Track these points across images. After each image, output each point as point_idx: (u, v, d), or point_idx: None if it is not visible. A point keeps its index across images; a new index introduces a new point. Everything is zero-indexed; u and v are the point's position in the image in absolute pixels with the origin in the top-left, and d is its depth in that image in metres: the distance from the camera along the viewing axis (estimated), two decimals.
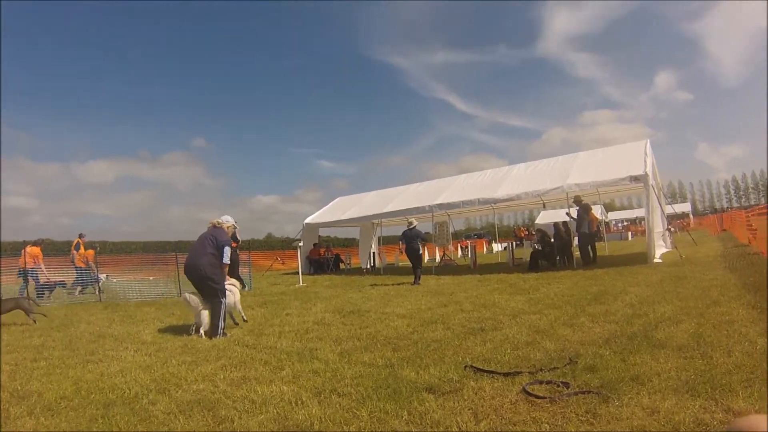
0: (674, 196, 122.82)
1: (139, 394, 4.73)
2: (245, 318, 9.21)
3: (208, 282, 8.16)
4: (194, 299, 8.33)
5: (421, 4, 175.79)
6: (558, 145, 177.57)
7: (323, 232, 29.02)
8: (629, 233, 49.83)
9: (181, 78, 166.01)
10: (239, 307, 9.21)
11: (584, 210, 17.41)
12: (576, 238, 18.53)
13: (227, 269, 8.80)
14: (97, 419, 4.07)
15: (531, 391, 4.04)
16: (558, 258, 18.00)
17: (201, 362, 6.05)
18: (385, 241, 30.94)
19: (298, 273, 19.62)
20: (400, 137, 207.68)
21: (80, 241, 18.64)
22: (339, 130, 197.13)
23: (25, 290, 14.97)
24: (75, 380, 5.44)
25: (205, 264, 8.17)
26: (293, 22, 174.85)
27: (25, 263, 15.89)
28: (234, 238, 9.32)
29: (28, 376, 5.78)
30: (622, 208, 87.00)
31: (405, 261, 25.27)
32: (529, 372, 4.64)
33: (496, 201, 18.98)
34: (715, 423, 3.24)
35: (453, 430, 3.48)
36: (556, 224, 18.96)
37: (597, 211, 21.24)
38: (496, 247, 39.29)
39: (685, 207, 71.96)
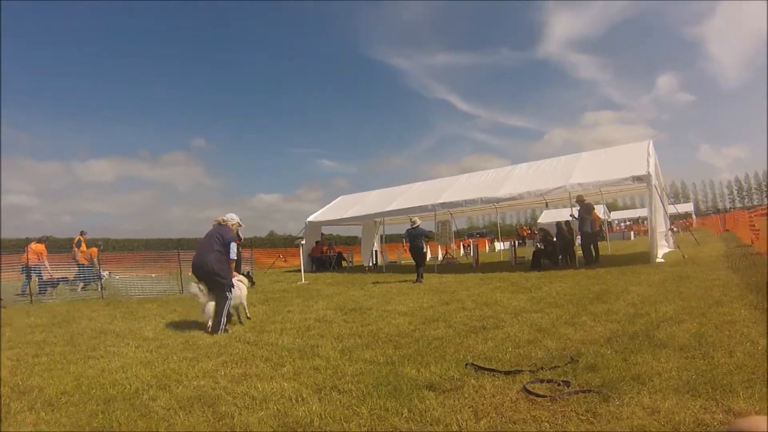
0: (677, 197, 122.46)
1: (140, 390, 4.74)
2: (249, 316, 9.22)
3: (216, 277, 8.28)
4: (200, 294, 8.38)
5: (422, 5, 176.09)
6: (559, 146, 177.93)
7: (326, 230, 29.02)
8: (632, 233, 49.79)
9: (181, 78, 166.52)
10: (245, 303, 9.24)
11: (587, 209, 17.39)
12: (578, 238, 18.53)
13: (234, 265, 8.89)
14: (98, 415, 4.07)
15: (532, 390, 4.04)
16: (560, 257, 17.97)
17: (202, 358, 6.06)
18: (388, 240, 30.90)
19: (300, 271, 19.63)
20: (401, 137, 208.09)
21: (81, 238, 18.73)
22: (340, 130, 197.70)
23: (27, 286, 15.02)
24: (76, 376, 5.45)
25: (212, 261, 8.31)
26: (295, 22, 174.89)
27: (28, 260, 15.94)
28: (236, 235, 9.36)
29: (29, 371, 5.79)
30: (625, 207, 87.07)
31: (407, 259, 25.34)
32: (530, 370, 4.64)
33: (498, 200, 18.98)
34: (716, 423, 3.23)
35: (453, 427, 3.47)
36: (558, 223, 18.94)
37: (600, 211, 21.19)
38: (499, 245, 39.37)
39: (687, 207, 71.81)
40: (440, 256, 27.21)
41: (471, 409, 3.78)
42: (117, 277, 19.82)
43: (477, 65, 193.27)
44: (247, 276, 10.10)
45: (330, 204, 28.88)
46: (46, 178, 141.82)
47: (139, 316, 10.27)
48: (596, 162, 18.13)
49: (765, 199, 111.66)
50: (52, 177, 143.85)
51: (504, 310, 8.48)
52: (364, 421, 3.66)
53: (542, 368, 4.68)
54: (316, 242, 26.52)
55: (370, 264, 26.12)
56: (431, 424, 3.53)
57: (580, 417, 3.49)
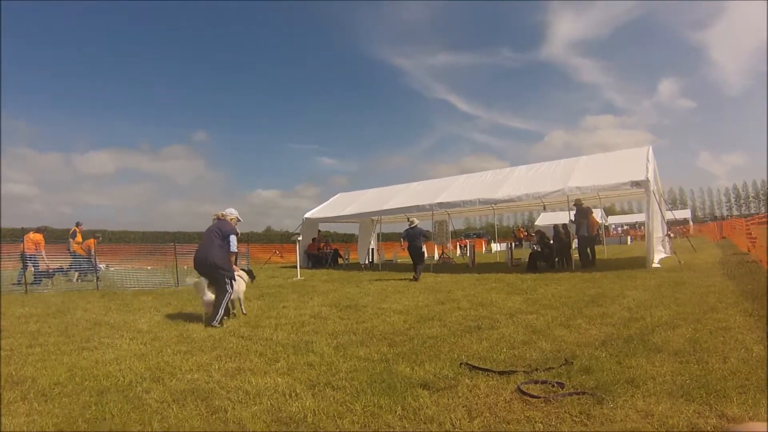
0: (674, 203, 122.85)
1: (133, 382, 4.73)
2: (244, 311, 9.21)
3: (218, 270, 8.46)
4: (201, 288, 8.49)
5: (423, 5, 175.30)
6: (559, 149, 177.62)
7: (323, 227, 29.03)
8: (628, 237, 49.97)
9: (183, 74, 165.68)
10: (242, 297, 9.30)
11: (584, 213, 17.40)
12: (575, 241, 18.55)
13: (234, 258, 8.98)
14: (91, 406, 4.06)
15: (526, 390, 4.04)
16: (557, 260, 17.97)
17: (196, 352, 6.05)
18: (384, 238, 30.90)
19: (296, 267, 19.62)
20: (401, 137, 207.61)
21: (77, 229, 18.76)
22: (341, 128, 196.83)
23: (23, 275, 14.99)
24: (69, 367, 5.44)
25: (214, 255, 8.51)
26: (296, 20, 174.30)
27: (24, 249, 15.91)
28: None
29: (22, 361, 5.77)
30: (622, 212, 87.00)
31: (403, 258, 25.33)
32: (524, 371, 4.64)
33: (496, 201, 19.02)
34: (709, 428, 3.24)
35: (446, 426, 3.47)
36: (555, 226, 18.93)
37: (597, 215, 21.22)
38: (495, 247, 39.34)
39: (685, 213, 72.04)
40: (437, 256, 27.23)
41: (465, 408, 3.78)
42: (113, 269, 19.76)
43: (478, 65, 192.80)
44: (248, 272, 10.12)
45: (328, 201, 28.91)
46: (46, 168, 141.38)
47: (134, 309, 10.26)
48: (595, 166, 18.17)
49: (762, 208, 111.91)
50: (53, 168, 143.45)
51: (499, 310, 8.48)
52: (358, 418, 3.65)
53: (536, 369, 4.68)
54: (313, 239, 26.52)
55: (366, 262, 26.10)
56: (425, 423, 3.53)
57: (574, 419, 3.49)
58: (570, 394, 3.92)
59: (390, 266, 23.63)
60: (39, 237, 16.72)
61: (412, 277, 15.55)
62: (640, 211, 62.72)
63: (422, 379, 4.52)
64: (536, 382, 4.29)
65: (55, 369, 5.34)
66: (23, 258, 15.75)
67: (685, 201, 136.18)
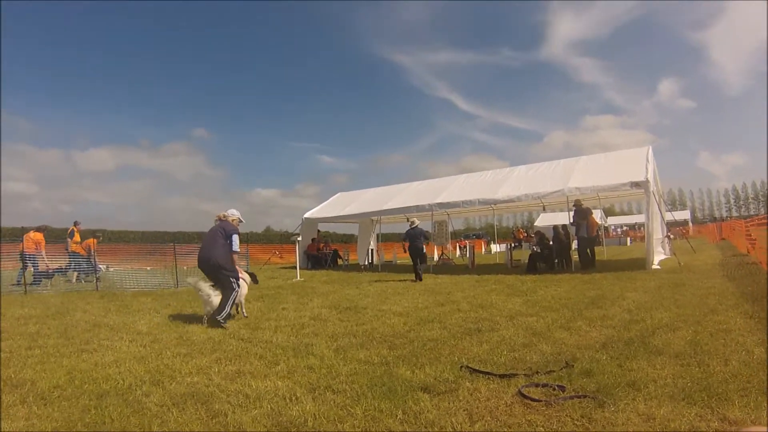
0: (674, 204, 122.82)
1: (133, 386, 4.71)
2: (246, 314, 9.21)
3: (222, 270, 8.56)
4: (203, 285, 8.54)
5: (424, 4, 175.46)
6: (559, 149, 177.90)
7: (322, 227, 29.01)
8: (628, 238, 49.96)
9: (184, 72, 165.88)
10: (243, 301, 9.30)
11: (583, 214, 17.39)
12: (575, 242, 18.55)
13: (237, 257, 9.03)
14: (90, 410, 4.05)
15: (527, 394, 4.02)
16: (556, 261, 17.97)
17: (196, 354, 6.03)
18: (384, 238, 30.90)
19: (295, 267, 19.60)
20: (401, 135, 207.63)
21: (75, 228, 18.69)
22: (341, 126, 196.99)
23: (22, 276, 14.95)
24: (69, 369, 5.42)
25: (217, 255, 8.60)
26: (297, 18, 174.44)
27: (25, 248, 15.86)
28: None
29: (22, 363, 5.75)
30: (622, 213, 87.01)
31: (402, 259, 25.32)
32: (525, 374, 4.63)
33: (496, 202, 19.04)
34: None
35: (447, 430, 3.46)
36: (555, 227, 18.94)
37: (597, 216, 21.22)
38: (495, 247, 39.35)
39: (684, 214, 72.05)
40: (436, 257, 27.22)
41: (466, 412, 3.77)
42: (112, 269, 19.74)
43: (479, 64, 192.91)
44: (252, 275, 10.14)
45: (327, 201, 28.91)
46: (46, 165, 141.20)
47: (134, 310, 10.24)
48: (595, 166, 18.20)
49: (762, 209, 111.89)
50: (53, 165, 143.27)
51: (499, 312, 8.48)
52: (358, 422, 3.64)
53: (537, 372, 4.67)
54: (312, 239, 26.49)
55: (366, 263, 26.09)
56: (425, 427, 3.52)
57: (575, 422, 3.48)
58: (571, 398, 3.90)
59: (389, 267, 23.62)
60: (39, 236, 16.67)
61: (415, 278, 15.68)
62: (639, 212, 62.68)
63: (423, 382, 4.51)
64: (537, 386, 4.27)
65: (55, 372, 5.32)
66: (23, 258, 15.70)
67: (685, 202, 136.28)
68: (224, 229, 8.80)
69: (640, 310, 7.97)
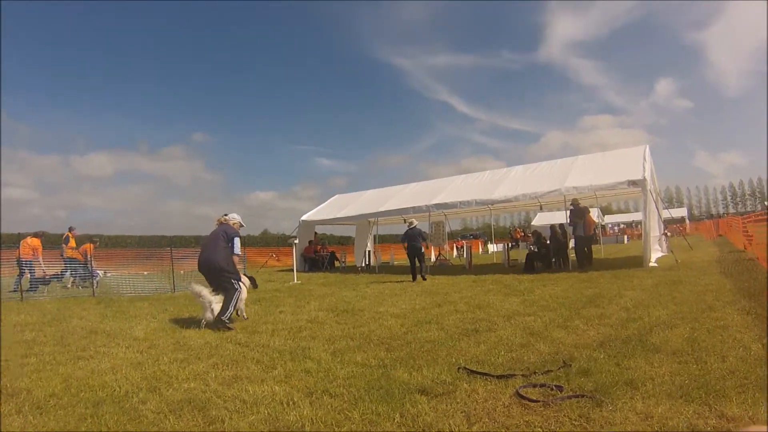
0: (671, 201, 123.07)
1: (130, 393, 4.69)
2: (246, 316, 9.21)
3: (223, 273, 8.63)
4: (204, 291, 8.53)
5: (423, 5, 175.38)
6: (557, 149, 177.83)
7: (319, 230, 29.00)
8: (625, 236, 50.03)
9: (181, 73, 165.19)
10: (242, 305, 9.24)
11: (580, 213, 17.41)
12: (572, 241, 18.57)
13: (238, 260, 9.08)
14: (86, 418, 4.02)
15: (524, 394, 4.01)
16: (554, 260, 17.97)
17: (193, 360, 6.01)
18: (381, 240, 30.88)
19: (293, 270, 19.59)
20: (400, 137, 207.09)
21: (70, 234, 18.63)
22: (339, 128, 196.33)
23: (19, 282, 14.91)
24: (65, 377, 5.39)
25: (219, 257, 8.68)
26: (296, 20, 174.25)
27: (21, 254, 15.81)
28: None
29: (18, 372, 5.73)
30: (619, 211, 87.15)
31: (399, 260, 25.31)
32: (522, 375, 4.62)
33: (493, 202, 19.05)
34: (709, 429, 3.23)
35: None
36: (552, 226, 18.97)
37: (594, 215, 21.25)
38: (492, 247, 39.36)
39: (681, 212, 72.07)
40: (433, 258, 27.23)
41: (463, 413, 3.75)
42: (109, 274, 19.69)
43: (478, 67, 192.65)
44: (251, 279, 10.16)
45: (325, 203, 28.90)
46: (43, 170, 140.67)
47: (130, 315, 10.20)
48: (592, 165, 18.24)
49: (759, 206, 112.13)
50: (50, 170, 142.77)
51: (496, 312, 8.47)
52: (356, 426, 3.63)
53: (535, 372, 4.66)
54: (309, 242, 26.46)
55: (363, 264, 26.11)
56: (423, 429, 3.51)
57: (573, 422, 3.47)
58: (569, 398, 3.90)
59: (387, 268, 23.65)
60: (36, 242, 16.58)
61: (412, 279, 15.85)
62: (636, 210, 62.97)
63: (420, 384, 4.49)
64: (535, 386, 4.26)
65: (51, 380, 5.29)
66: (19, 264, 15.65)
67: (682, 199, 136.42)
68: (226, 233, 8.89)
69: (638, 308, 7.97)
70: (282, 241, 44.18)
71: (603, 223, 50.40)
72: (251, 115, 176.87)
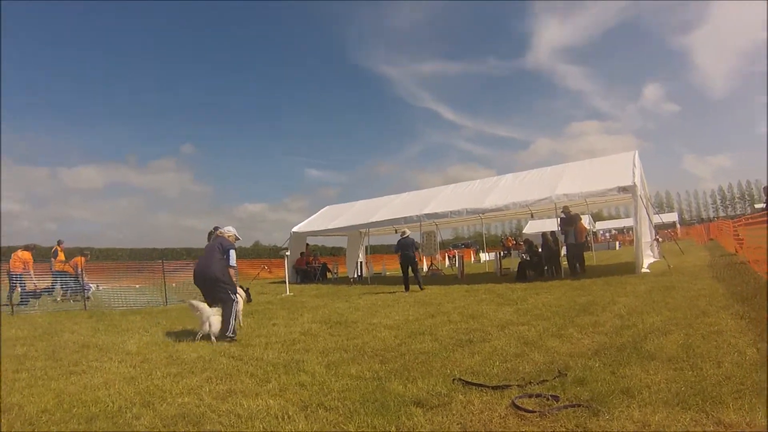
0: (661, 206, 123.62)
1: (123, 408, 4.64)
2: (241, 324, 9.20)
3: (220, 284, 8.63)
4: (202, 305, 8.50)
5: (410, 14, 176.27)
6: (545, 156, 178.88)
7: (311, 241, 28.94)
8: (617, 243, 50.14)
9: (170, 85, 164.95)
10: (240, 318, 9.21)
11: (571, 220, 17.45)
12: (564, 248, 18.60)
13: (234, 273, 9.07)
14: None
15: (520, 405, 3.99)
16: (546, 268, 17.98)
17: (186, 374, 5.96)
18: (373, 251, 30.85)
19: (285, 282, 19.53)
20: (388, 145, 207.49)
21: (58, 248, 18.55)
22: (327, 138, 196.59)
23: (11, 295, 14.79)
24: (57, 392, 5.33)
25: (215, 268, 8.70)
26: (282, 30, 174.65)
27: (11, 268, 15.68)
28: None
29: (9, 387, 5.66)
30: (610, 217, 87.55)
31: (391, 270, 25.27)
32: (518, 385, 4.60)
33: (484, 211, 19.11)
34: None
35: None
36: (543, 234, 19.00)
37: (585, 221, 21.31)
38: (484, 256, 39.35)
39: (672, 217, 72.38)
40: (425, 268, 27.22)
41: (460, 425, 3.73)
42: (101, 288, 19.58)
43: (464, 73, 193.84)
44: (246, 291, 10.13)
45: (315, 214, 28.88)
46: (32, 183, 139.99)
47: (123, 329, 10.13)
48: (582, 172, 18.29)
49: (748, 208, 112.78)
50: (39, 182, 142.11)
51: (490, 322, 8.45)
52: None
53: (530, 382, 4.64)
54: (301, 253, 26.41)
55: (355, 275, 26.07)
56: None
57: None
58: (565, 407, 3.88)
59: (379, 279, 23.63)
60: (27, 255, 16.45)
61: (418, 288, 15.94)
62: (627, 216, 63.19)
63: (415, 396, 4.47)
64: (531, 396, 4.24)
65: (43, 395, 5.23)
66: (10, 277, 15.52)
67: (672, 204, 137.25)
68: (221, 245, 8.92)
69: (632, 314, 7.98)
70: (273, 253, 44.08)
71: (594, 230, 50.53)
72: (239, 126, 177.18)
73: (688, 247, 30.08)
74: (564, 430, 3.51)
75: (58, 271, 17.69)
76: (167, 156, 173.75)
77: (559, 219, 17.92)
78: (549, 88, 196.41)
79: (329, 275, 26.72)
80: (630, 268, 16.04)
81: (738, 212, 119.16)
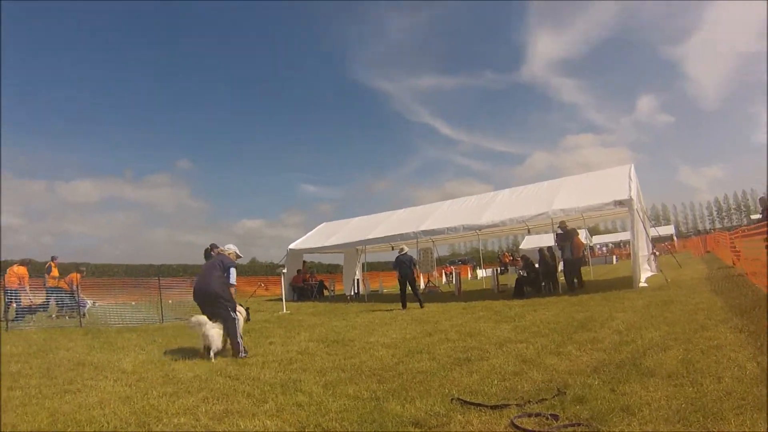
0: (658, 219, 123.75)
1: (118, 428, 4.60)
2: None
3: (220, 300, 8.58)
4: (202, 318, 8.46)
5: (406, 29, 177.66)
6: (541, 170, 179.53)
7: (307, 258, 28.90)
8: (614, 257, 50.22)
9: (167, 99, 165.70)
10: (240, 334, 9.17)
11: (568, 236, 17.43)
12: (561, 264, 18.57)
13: (233, 292, 9.02)
14: None
15: (519, 425, 3.97)
16: (543, 284, 17.94)
17: (182, 394, 5.91)
18: (370, 267, 30.76)
19: (281, 300, 19.46)
20: (384, 161, 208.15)
21: (52, 264, 18.46)
22: (323, 153, 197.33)
23: (7, 311, 14.69)
24: (51, 412, 5.27)
25: (215, 285, 8.67)
26: (279, 46, 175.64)
27: (6, 283, 15.57)
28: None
29: (3, 406, 5.61)
30: (607, 231, 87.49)
31: (388, 288, 25.22)
32: (517, 404, 4.56)
33: (480, 227, 19.13)
34: None
35: None
36: (540, 249, 18.96)
37: (582, 236, 21.30)
38: (481, 273, 39.29)
39: (668, 229, 72.43)
40: (422, 285, 27.17)
41: None
42: (97, 304, 19.47)
43: (460, 88, 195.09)
44: (246, 310, 10.10)
45: (312, 231, 28.88)
46: (29, 197, 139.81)
47: (118, 347, 10.06)
48: (578, 187, 18.33)
49: (744, 219, 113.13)
50: (36, 196, 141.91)
51: (488, 340, 8.41)
52: None
53: (529, 401, 4.61)
54: (298, 270, 26.39)
55: (352, 293, 26.00)
56: None
57: None
58: (565, 426, 3.86)
59: (376, 297, 23.53)
60: (23, 270, 16.34)
61: (418, 306, 15.94)
62: (624, 230, 63.13)
63: (413, 417, 4.43)
64: (530, 415, 4.21)
65: (37, 414, 5.18)
66: (5, 293, 15.41)
67: (668, 217, 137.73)
68: (222, 262, 8.89)
69: (630, 330, 7.95)
70: (270, 270, 43.89)
71: (591, 244, 50.50)
72: (236, 143, 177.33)
73: (685, 260, 30.11)
74: None
75: (51, 287, 17.61)
76: (163, 171, 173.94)
77: (555, 234, 17.91)
78: (544, 101, 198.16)
79: (326, 293, 26.62)
80: (627, 282, 16.01)
81: (734, 223, 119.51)
